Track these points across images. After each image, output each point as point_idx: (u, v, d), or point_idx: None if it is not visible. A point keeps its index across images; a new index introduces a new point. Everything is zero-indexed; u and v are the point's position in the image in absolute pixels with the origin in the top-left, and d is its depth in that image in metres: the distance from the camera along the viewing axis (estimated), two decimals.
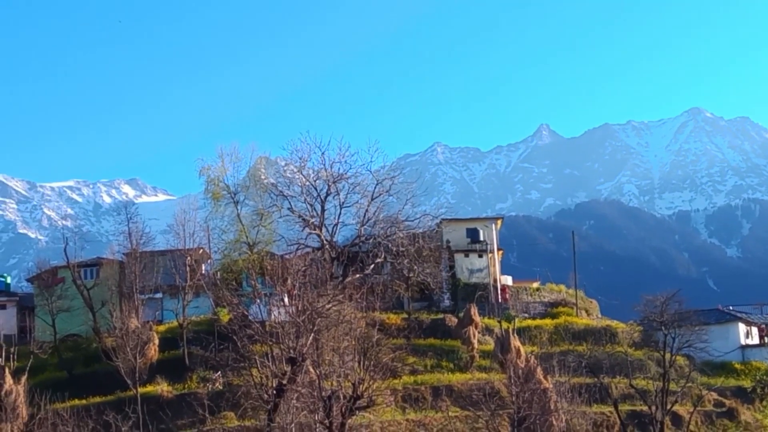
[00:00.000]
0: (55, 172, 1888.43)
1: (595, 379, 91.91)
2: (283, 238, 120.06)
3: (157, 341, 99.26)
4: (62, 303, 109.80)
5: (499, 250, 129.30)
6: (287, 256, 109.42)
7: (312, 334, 60.86)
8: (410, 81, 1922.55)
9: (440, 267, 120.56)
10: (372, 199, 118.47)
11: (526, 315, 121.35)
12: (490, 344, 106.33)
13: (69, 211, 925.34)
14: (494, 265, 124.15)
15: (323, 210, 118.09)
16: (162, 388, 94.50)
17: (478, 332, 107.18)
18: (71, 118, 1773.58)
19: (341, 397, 58.94)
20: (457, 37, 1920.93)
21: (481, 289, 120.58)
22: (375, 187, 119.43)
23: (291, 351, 59.67)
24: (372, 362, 62.27)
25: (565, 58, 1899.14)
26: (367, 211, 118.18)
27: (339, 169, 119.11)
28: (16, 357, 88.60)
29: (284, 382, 58.44)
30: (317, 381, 59.42)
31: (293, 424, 58.14)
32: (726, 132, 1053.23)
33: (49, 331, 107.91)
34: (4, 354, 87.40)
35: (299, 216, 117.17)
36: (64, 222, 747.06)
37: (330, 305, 67.81)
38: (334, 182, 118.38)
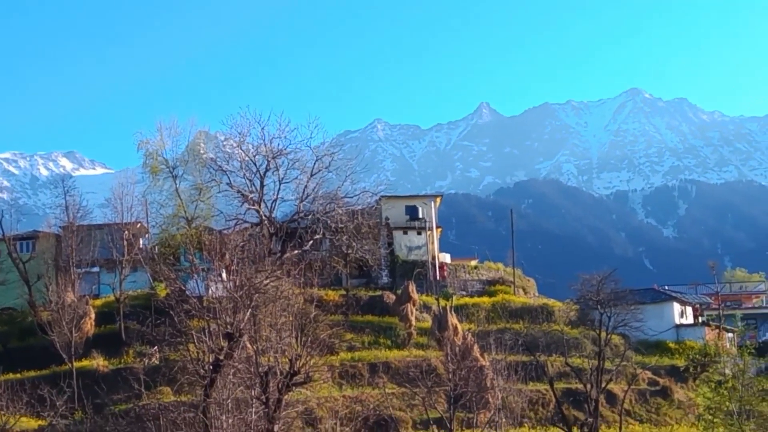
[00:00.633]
0: None
1: (532, 357, 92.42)
2: (221, 213, 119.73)
3: (93, 315, 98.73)
4: None
5: (437, 227, 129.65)
6: (225, 232, 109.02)
7: (249, 310, 60.60)
8: (351, 58, 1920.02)
9: (379, 244, 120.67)
10: (311, 175, 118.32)
11: (464, 293, 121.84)
12: (428, 321, 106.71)
13: (5, 183, 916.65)
14: (433, 243, 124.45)
15: (262, 185, 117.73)
16: (98, 362, 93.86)
17: (416, 309, 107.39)
18: (5, 89, 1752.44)
19: (278, 373, 58.79)
20: (399, 15, 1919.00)
21: (420, 267, 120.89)
22: (314, 164, 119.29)
23: (228, 326, 59.38)
24: (309, 338, 62.22)
25: (505, 37, 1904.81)
26: (306, 187, 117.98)
27: (278, 144, 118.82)
28: None
29: (221, 357, 58.17)
30: (254, 357, 59.22)
31: (230, 400, 57.95)
32: (664, 113, 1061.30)
33: None
34: None
35: (238, 191, 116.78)
36: None
37: (268, 281, 67.54)
38: (273, 158, 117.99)
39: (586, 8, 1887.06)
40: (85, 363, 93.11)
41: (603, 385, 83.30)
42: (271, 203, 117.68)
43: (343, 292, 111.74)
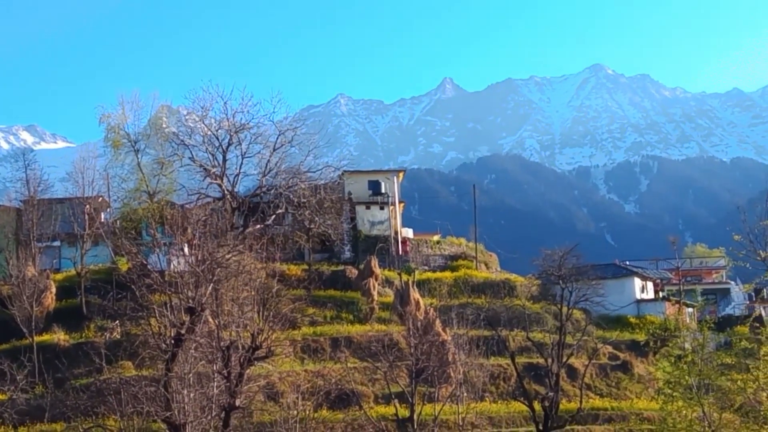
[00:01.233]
0: None
1: (493, 332, 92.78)
2: (183, 187, 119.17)
3: (54, 290, 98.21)
4: None
5: (400, 202, 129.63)
6: (188, 206, 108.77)
7: (211, 285, 60.46)
8: (314, 31, 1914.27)
9: (341, 219, 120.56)
10: (274, 150, 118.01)
11: (426, 267, 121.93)
12: (390, 296, 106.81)
13: None
14: (395, 218, 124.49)
15: (225, 160, 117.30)
16: (58, 336, 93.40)
17: (378, 284, 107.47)
18: None
19: (240, 348, 58.76)
20: None
21: (382, 242, 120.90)
22: (277, 138, 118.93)
23: (190, 301, 59.22)
24: (271, 313, 62.13)
25: (468, 13, 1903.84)
26: (268, 161, 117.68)
27: (241, 119, 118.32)
28: None
29: (183, 332, 58.01)
30: (216, 331, 59.16)
31: (191, 374, 57.84)
32: (626, 89, 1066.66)
33: None
34: None
35: (200, 165, 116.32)
36: None
37: (230, 255, 67.50)
38: (236, 132, 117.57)
39: None
40: (45, 337, 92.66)
41: (564, 360, 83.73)
42: (234, 178, 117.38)
43: (305, 266, 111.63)
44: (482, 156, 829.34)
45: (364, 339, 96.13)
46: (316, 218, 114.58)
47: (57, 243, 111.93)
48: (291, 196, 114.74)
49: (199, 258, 62.11)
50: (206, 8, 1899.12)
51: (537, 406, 79.22)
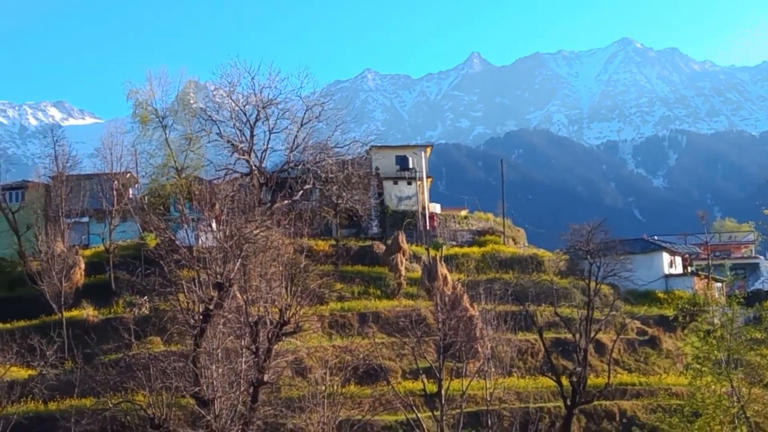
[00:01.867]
0: None
1: (521, 307, 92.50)
2: (211, 163, 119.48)
3: (83, 265, 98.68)
4: None
5: (428, 177, 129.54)
6: (215, 182, 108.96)
7: (239, 260, 60.60)
8: (341, 5, 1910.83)
9: (369, 194, 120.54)
10: (301, 125, 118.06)
11: (454, 243, 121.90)
12: (418, 271, 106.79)
13: None
14: (423, 193, 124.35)
15: (252, 135, 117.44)
16: (87, 312, 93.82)
17: (406, 259, 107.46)
18: None
19: (268, 323, 58.87)
20: None
21: (410, 217, 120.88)
22: (305, 113, 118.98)
23: (218, 276, 59.41)
24: (299, 288, 62.21)
25: None
26: (296, 137, 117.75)
27: (269, 94, 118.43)
28: None
29: (211, 307, 58.21)
30: (244, 307, 59.26)
31: (219, 350, 58.00)
32: (655, 63, 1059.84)
33: None
34: None
35: (228, 141, 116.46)
36: None
37: (258, 231, 67.52)
38: (263, 107, 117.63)
39: None
40: (74, 313, 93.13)
41: (592, 335, 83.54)
42: (261, 153, 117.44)
43: (333, 242, 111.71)
44: (510, 131, 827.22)
45: (392, 314, 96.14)
46: (344, 193, 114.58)
47: (85, 219, 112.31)
48: (318, 172, 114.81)
49: (227, 233, 62.27)
50: None
51: (565, 381, 79.14)
